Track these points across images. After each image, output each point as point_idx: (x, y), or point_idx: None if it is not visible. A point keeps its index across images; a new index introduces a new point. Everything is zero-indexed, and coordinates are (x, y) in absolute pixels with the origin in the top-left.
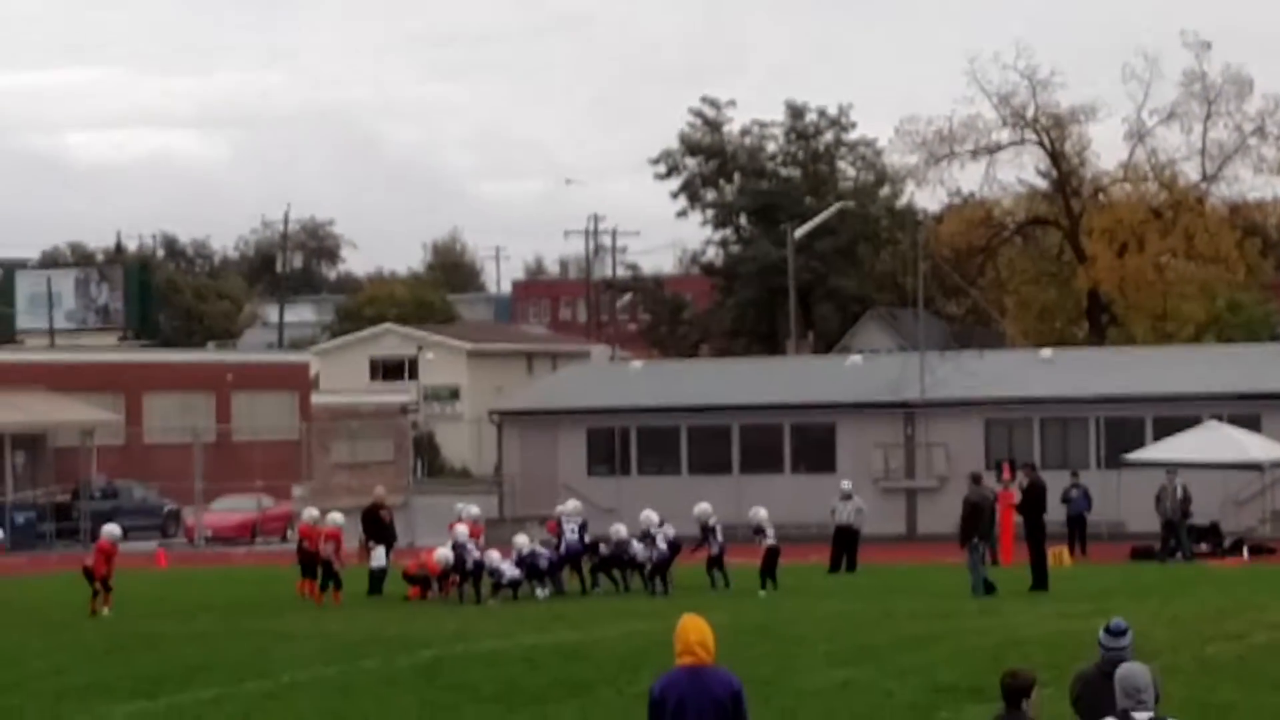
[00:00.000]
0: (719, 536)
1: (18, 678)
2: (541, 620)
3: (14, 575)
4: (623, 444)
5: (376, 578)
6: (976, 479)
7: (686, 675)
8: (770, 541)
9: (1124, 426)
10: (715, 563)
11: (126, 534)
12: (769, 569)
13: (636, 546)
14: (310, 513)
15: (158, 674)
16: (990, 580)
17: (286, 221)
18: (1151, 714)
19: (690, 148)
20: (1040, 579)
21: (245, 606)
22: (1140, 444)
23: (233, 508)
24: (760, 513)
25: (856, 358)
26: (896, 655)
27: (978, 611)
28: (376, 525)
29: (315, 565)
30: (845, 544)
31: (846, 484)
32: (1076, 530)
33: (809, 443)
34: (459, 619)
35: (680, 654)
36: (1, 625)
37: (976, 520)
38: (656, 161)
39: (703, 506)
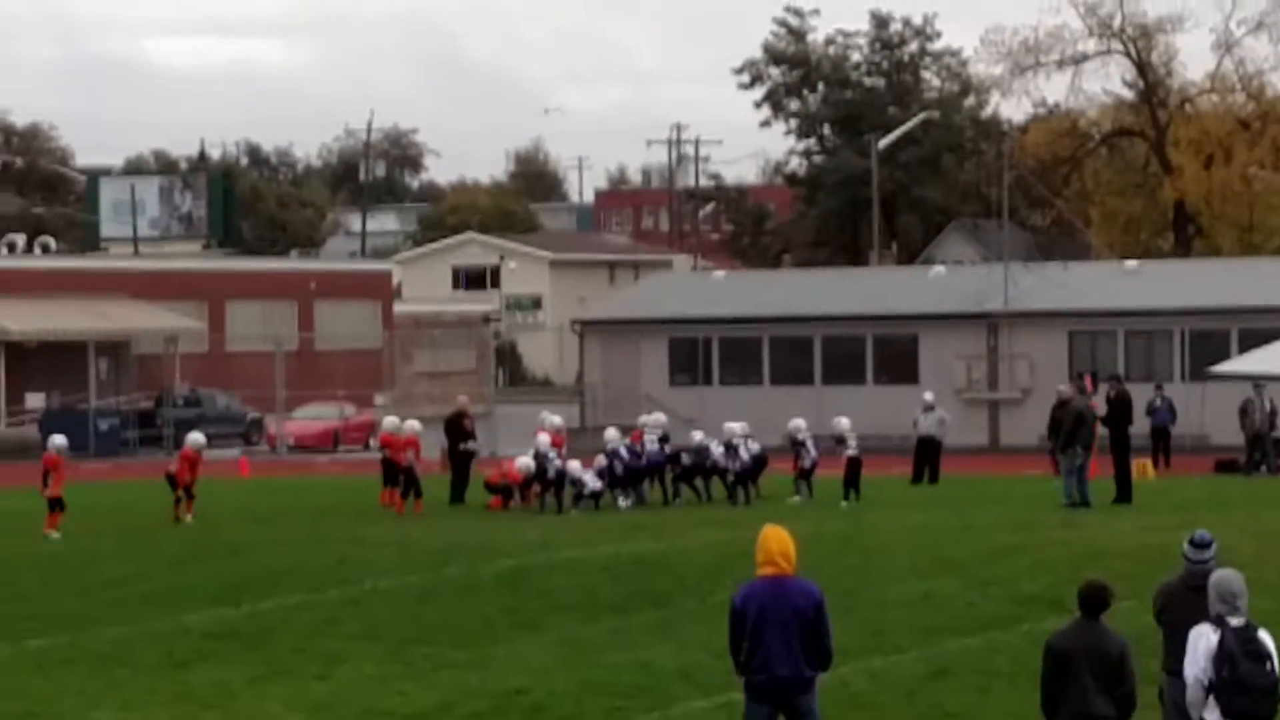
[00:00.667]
0: (811, 450)
1: (101, 582)
2: (622, 530)
3: (98, 481)
4: (705, 354)
5: (458, 479)
6: (1082, 389)
7: (768, 585)
8: (852, 452)
9: (1209, 338)
10: (804, 475)
11: (210, 442)
12: (851, 480)
13: (717, 451)
14: (391, 421)
15: (240, 580)
16: (1089, 496)
17: (370, 130)
18: (1245, 619)
19: (774, 57)
20: (1124, 491)
21: (327, 514)
22: (1225, 356)
23: (315, 416)
24: (843, 422)
25: (940, 268)
26: (978, 567)
27: (1060, 523)
28: (459, 434)
29: (397, 474)
30: (927, 455)
31: (929, 395)
32: (1160, 443)
33: (891, 354)
34: (540, 528)
35: (762, 564)
36: (85, 531)
37: (1079, 429)
38: (740, 71)
39: (795, 422)
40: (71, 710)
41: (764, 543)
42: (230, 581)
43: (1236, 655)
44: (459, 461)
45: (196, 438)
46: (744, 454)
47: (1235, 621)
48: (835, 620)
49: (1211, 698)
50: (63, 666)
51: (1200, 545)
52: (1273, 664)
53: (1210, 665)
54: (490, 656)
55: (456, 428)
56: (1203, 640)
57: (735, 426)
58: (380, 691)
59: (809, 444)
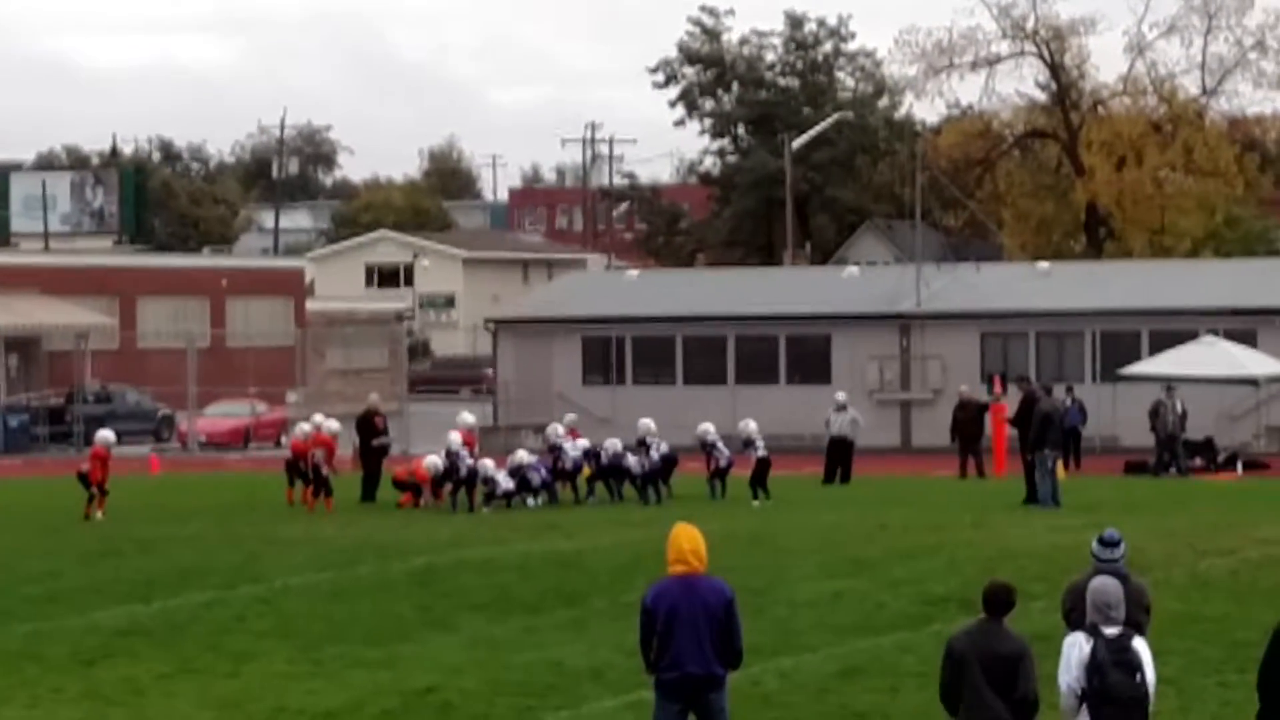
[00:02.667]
0: (724, 451)
1: (10, 581)
2: (535, 529)
3: (7, 478)
4: (618, 353)
5: (371, 477)
6: (1048, 390)
7: (679, 584)
8: (760, 453)
9: (1120, 340)
10: (719, 475)
11: (120, 439)
12: (760, 480)
13: (630, 460)
14: (303, 428)
15: (150, 578)
16: (1058, 494)
17: (283, 126)
18: (1120, 629)
19: (689, 56)
20: (1034, 492)
21: (238, 512)
22: (1136, 358)
23: (226, 413)
24: (750, 425)
25: (853, 269)
26: (889, 567)
27: (970, 524)
28: (370, 431)
29: (303, 473)
30: (840, 455)
31: (841, 395)
32: (1070, 444)
33: (804, 354)
34: (452, 526)
35: (673, 563)
36: None
37: (1046, 430)
38: (655, 70)
39: (704, 426)
40: None
41: (675, 541)
42: (141, 579)
43: (1107, 666)
44: (370, 460)
45: (106, 435)
46: (654, 453)
47: (1110, 631)
48: (746, 619)
49: (1083, 707)
50: None
51: (1109, 544)
52: (1143, 675)
53: (1082, 674)
54: (401, 655)
55: (368, 426)
56: (1075, 650)
57: (649, 424)
58: (290, 689)
59: (720, 445)
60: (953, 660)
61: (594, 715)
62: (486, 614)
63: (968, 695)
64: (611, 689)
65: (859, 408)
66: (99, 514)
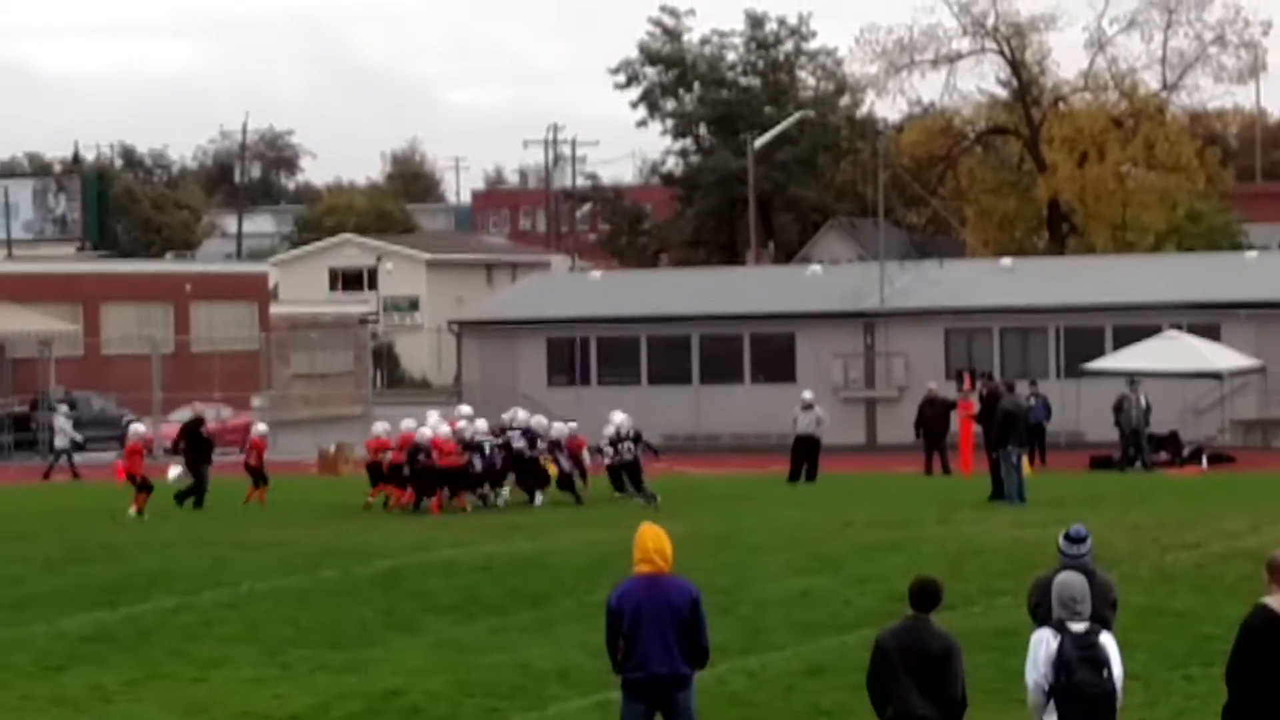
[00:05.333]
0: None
1: None
2: (500, 530)
3: None
4: (582, 354)
5: (185, 491)
6: (1010, 387)
7: (644, 584)
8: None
9: (1084, 336)
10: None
11: (84, 445)
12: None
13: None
14: (260, 428)
15: (117, 584)
16: (1024, 490)
17: (245, 131)
18: (1087, 625)
19: (650, 57)
20: (1000, 488)
21: (204, 517)
22: (1100, 353)
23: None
24: (616, 416)
25: (816, 267)
26: (855, 564)
27: (935, 520)
28: (196, 441)
29: (383, 474)
30: (806, 453)
31: (808, 394)
32: (1035, 440)
33: (768, 353)
34: (418, 529)
35: (638, 562)
36: None
37: (1012, 427)
38: (616, 71)
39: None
40: None
41: (641, 541)
42: (107, 584)
43: (1073, 662)
44: (199, 469)
45: (139, 428)
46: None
47: (1076, 627)
48: (712, 618)
49: (1051, 703)
50: None
51: (1075, 540)
52: (1110, 671)
53: (1049, 671)
54: (367, 658)
55: (194, 434)
56: (1043, 646)
57: (617, 416)
58: (257, 694)
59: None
60: (879, 655)
61: (561, 716)
62: (452, 616)
63: (895, 693)
64: (578, 689)
65: (824, 406)
66: (132, 511)
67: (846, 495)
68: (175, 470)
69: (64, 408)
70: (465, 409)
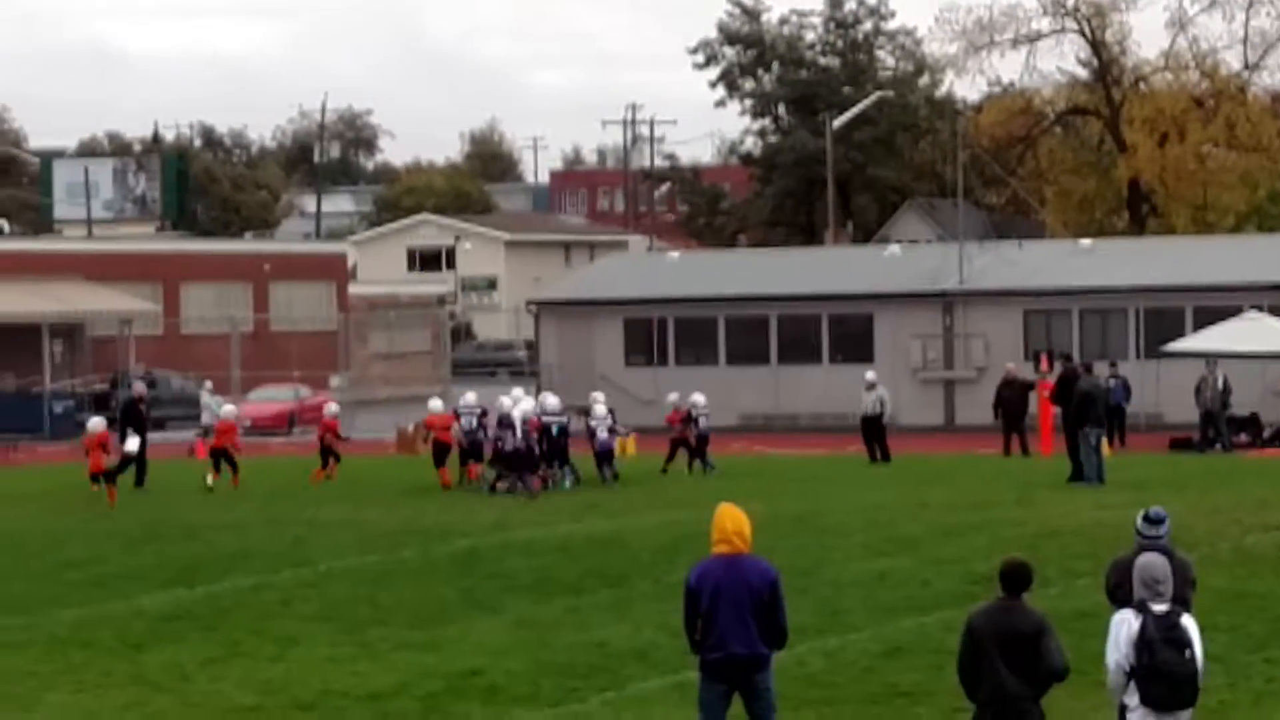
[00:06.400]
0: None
1: (55, 566)
2: (577, 510)
3: (52, 464)
4: (660, 334)
5: (127, 461)
6: (1088, 368)
7: (723, 564)
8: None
9: (1163, 317)
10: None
11: (164, 424)
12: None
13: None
14: (331, 408)
15: (195, 563)
16: (1103, 472)
17: (324, 111)
18: (1169, 606)
19: (729, 37)
20: (1079, 470)
21: (282, 496)
22: (1179, 334)
23: (270, 398)
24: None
25: (895, 248)
26: (933, 545)
27: (1014, 502)
28: (135, 416)
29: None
30: (872, 433)
31: (870, 374)
32: (1115, 421)
33: (846, 333)
34: (496, 509)
35: (717, 543)
36: (41, 513)
37: (1089, 408)
38: (695, 51)
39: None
40: (26, 692)
41: (719, 521)
42: (186, 563)
43: (1156, 642)
44: (140, 447)
45: (231, 409)
46: (602, 431)
47: (1158, 607)
48: (790, 599)
49: (1132, 684)
50: (17, 649)
51: (1153, 521)
52: (1193, 651)
53: (1131, 651)
54: (446, 637)
55: (133, 411)
56: (1124, 626)
57: (699, 398)
58: (335, 672)
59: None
60: (970, 637)
61: (639, 696)
62: (530, 596)
63: (987, 673)
64: (656, 669)
65: (902, 387)
66: (211, 478)
67: (924, 476)
68: (133, 443)
69: (209, 384)
70: (517, 391)
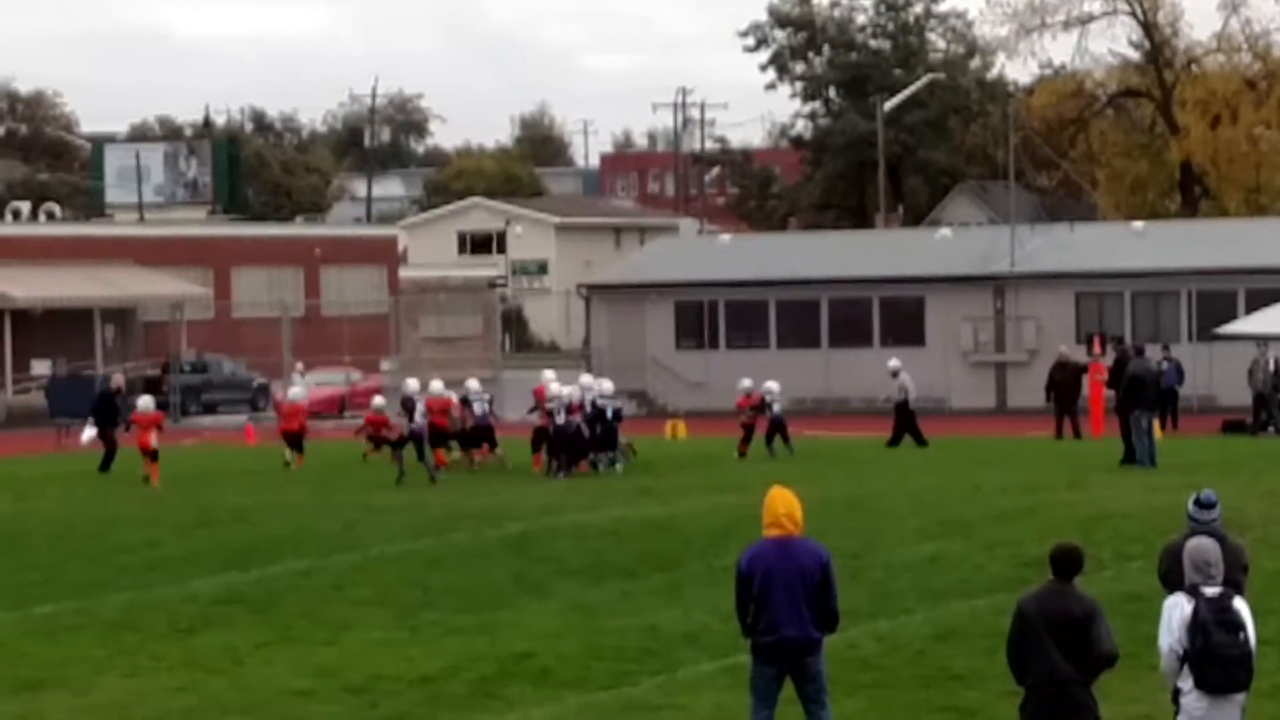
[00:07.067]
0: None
1: (107, 550)
2: (629, 494)
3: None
4: (711, 318)
5: (112, 453)
6: (1139, 351)
7: (774, 547)
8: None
9: (1216, 299)
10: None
11: (215, 408)
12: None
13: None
14: (377, 401)
15: (247, 546)
16: (1155, 455)
17: (374, 95)
18: (1220, 589)
19: (779, 20)
20: (1131, 453)
21: (334, 480)
22: (1232, 317)
23: (321, 382)
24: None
25: (946, 231)
26: (985, 529)
27: (1066, 485)
28: (109, 407)
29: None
30: (900, 420)
31: (893, 362)
32: (1167, 404)
33: (898, 316)
34: (546, 493)
35: (768, 526)
36: (93, 497)
37: (1139, 391)
38: (745, 34)
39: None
40: (79, 676)
41: (771, 504)
42: (238, 547)
43: (1210, 625)
44: (111, 437)
45: (298, 391)
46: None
47: (1210, 591)
48: (842, 583)
49: (1186, 668)
50: (71, 632)
51: (1205, 505)
52: (1246, 634)
53: (1184, 635)
54: (497, 621)
55: (109, 405)
56: (1177, 610)
57: (774, 385)
58: (387, 656)
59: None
60: (1021, 621)
61: (690, 679)
62: (582, 579)
63: (1038, 657)
64: (708, 653)
65: (954, 369)
66: (292, 463)
67: (976, 460)
68: (89, 433)
69: (300, 365)
70: (549, 373)
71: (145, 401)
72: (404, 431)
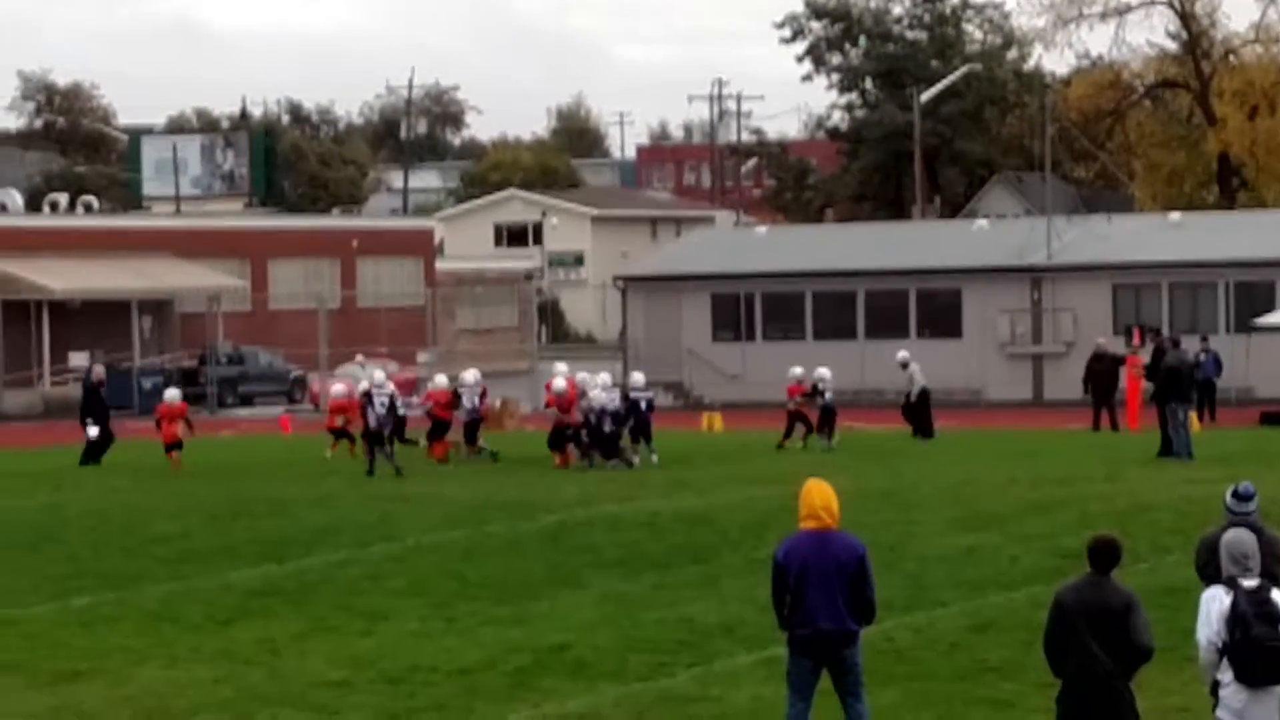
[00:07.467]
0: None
1: (144, 542)
2: (664, 486)
3: (142, 439)
4: (747, 309)
5: (95, 448)
6: (1175, 342)
7: (810, 539)
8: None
9: (1254, 290)
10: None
11: (252, 400)
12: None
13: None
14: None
15: (283, 538)
16: (1191, 447)
17: (411, 87)
18: (1258, 581)
19: (816, 11)
20: (1169, 445)
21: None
22: (1270, 308)
23: (358, 374)
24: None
25: (983, 222)
26: (1021, 521)
27: (1103, 477)
28: (95, 400)
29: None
30: (918, 411)
31: (902, 354)
32: (1205, 395)
33: (935, 308)
34: (579, 484)
35: (804, 518)
36: (128, 489)
37: (1175, 384)
38: (781, 25)
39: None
40: (117, 667)
41: (807, 496)
42: (274, 539)
43: (1249, 618)
44: (103, 426)
45: (340, 387)
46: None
47: (1248, 583)
48: (878, 575)
49: (1225, 660)
50: (108, 623)
51: (1243, 497)
52: None
53: (1223, 628)
54: (533, 612)
55: (95, 394)
56: (1215, 603)
57: (824, 372)
58: (424, 647)
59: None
60: (1060, 615)
61: (726, 671)
62: (617, 571)
63: (1075, 649)
64: (744, 645)
65: (990, 361)
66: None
67: (1012, 452)
68: (92, 432)
69: (360, 356)
70: (560, 366)
71: (172, 393)
72: (372, 424)
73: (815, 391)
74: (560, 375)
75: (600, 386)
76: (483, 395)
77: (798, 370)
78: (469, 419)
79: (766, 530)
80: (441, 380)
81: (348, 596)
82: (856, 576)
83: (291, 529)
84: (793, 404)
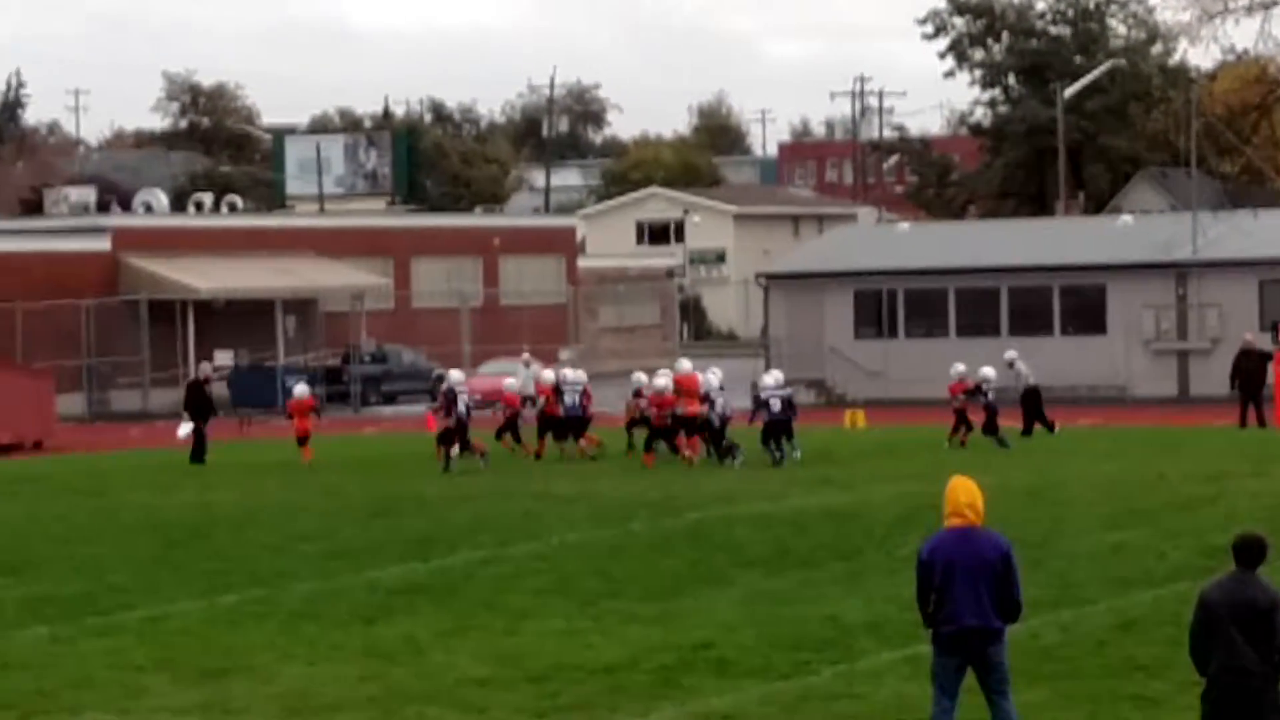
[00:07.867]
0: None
1: (289, 539)
2: (809, 483)
3: (286, 439)
4: (889, 306)
5: (201, 445)
6: None
7: (955, 537)
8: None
9: None
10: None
11: (395, 398)
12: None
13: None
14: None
15: (427, 536)
16: None
17: (552, 85)
18: None
19: (958, 7)
20: None
21: (513, 469)
22: None
23: (500, 371)
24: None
25: (1127, 218)
26: (1168, 518)
27: (1250, 474)
28: (200, 399)
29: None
30: (1025, 407)
31: (1009, 353)
32: None
33: (1079, 304)
34: (718, 481)
35: (949, 515)
36: (274, 487)
37: None
38: (924, 21)
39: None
40: (262, 664)
41: (952, 494)
42: (418, 537)
43: None
44: (200, 427)
45: (511, 383)
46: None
47: None
48: (1024, 572)
49: None
50: (254, 621)
51: None
52: None
53: None
54: (677, 610)
55: (199, 393)
56: None
57: (960, 367)
58: (568, 645)
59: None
60: (1204, 610)
61: (871, 669)
62: (761, 569)
63: (1221, 647)
64: (888, 643)
65: (1135, 357)
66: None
67: (1159, 448)
68: (185, 428)
69: (525, 355)
70: (638, 375)
71: (301, 388)
72: (450, 424)
73: (978, 390)
74: (663, 375)
75: (715, 384)
76: (585, 396)
77: (960, 367)
78: (567, 415)
79: (911, 527)
80: (511, 382)
81: (491, 594)
82: (1002, 574)
83: (435, 527)
84: (956, 402)
